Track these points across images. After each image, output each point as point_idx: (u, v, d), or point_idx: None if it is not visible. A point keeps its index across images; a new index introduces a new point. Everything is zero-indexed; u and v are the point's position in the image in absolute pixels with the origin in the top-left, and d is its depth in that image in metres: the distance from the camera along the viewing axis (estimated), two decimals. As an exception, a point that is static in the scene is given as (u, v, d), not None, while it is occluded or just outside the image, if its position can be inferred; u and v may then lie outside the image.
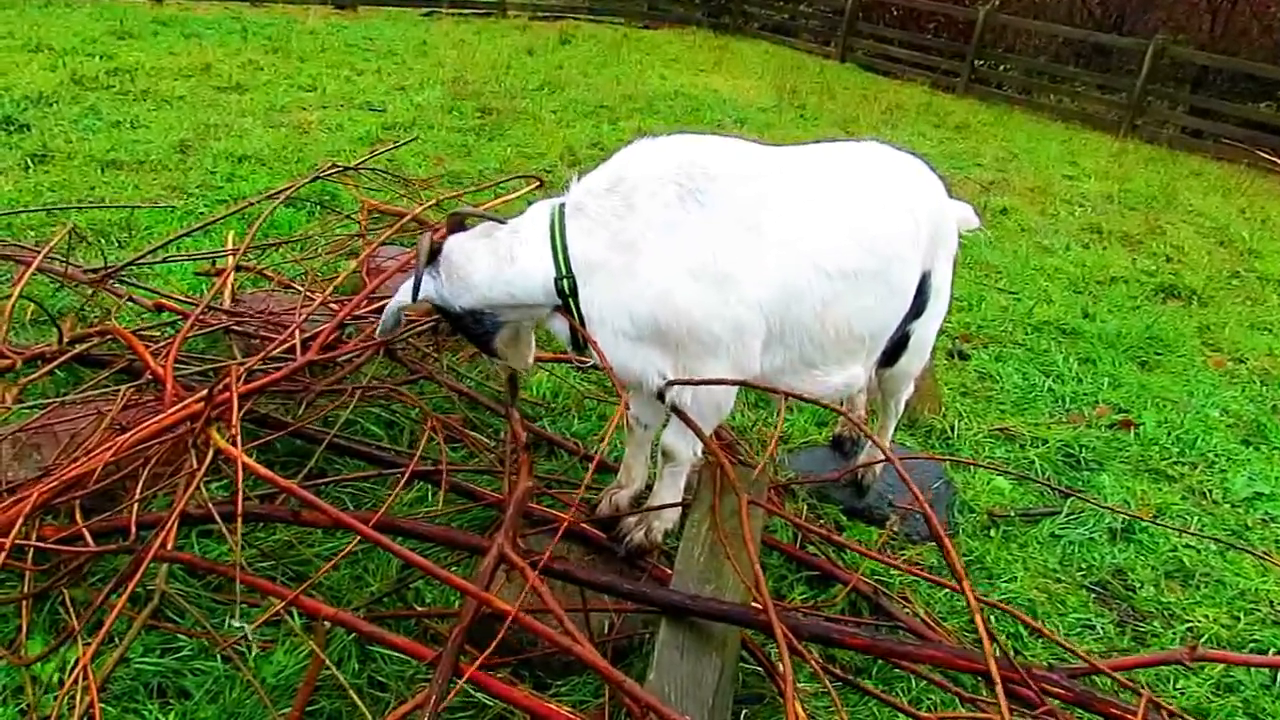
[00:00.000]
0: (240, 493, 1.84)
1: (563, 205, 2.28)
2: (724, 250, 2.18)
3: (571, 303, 2.24)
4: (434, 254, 2.33)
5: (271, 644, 2.34)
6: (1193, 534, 3.36)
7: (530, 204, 2.42)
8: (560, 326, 2.33)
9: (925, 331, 2.80)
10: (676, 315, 2.17)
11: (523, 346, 2.52)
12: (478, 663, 1.68)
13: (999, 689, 1.47)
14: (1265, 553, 3.31)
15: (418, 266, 2.29)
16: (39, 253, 3.35)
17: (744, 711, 2.30)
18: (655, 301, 2.17)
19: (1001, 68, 14.97)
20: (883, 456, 3.16)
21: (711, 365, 2.24)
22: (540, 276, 2.24)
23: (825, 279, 2.29)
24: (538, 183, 3.95)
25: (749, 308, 2.22)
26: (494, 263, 2.26)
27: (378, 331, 2.54)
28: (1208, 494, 3.74)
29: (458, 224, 2.42)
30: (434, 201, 3.99)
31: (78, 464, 2.14)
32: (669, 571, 2.41)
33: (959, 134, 10.77)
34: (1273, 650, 2.86)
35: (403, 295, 2.36)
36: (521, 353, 2.52)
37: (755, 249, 2.21)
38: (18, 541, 1.94)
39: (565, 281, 2.22)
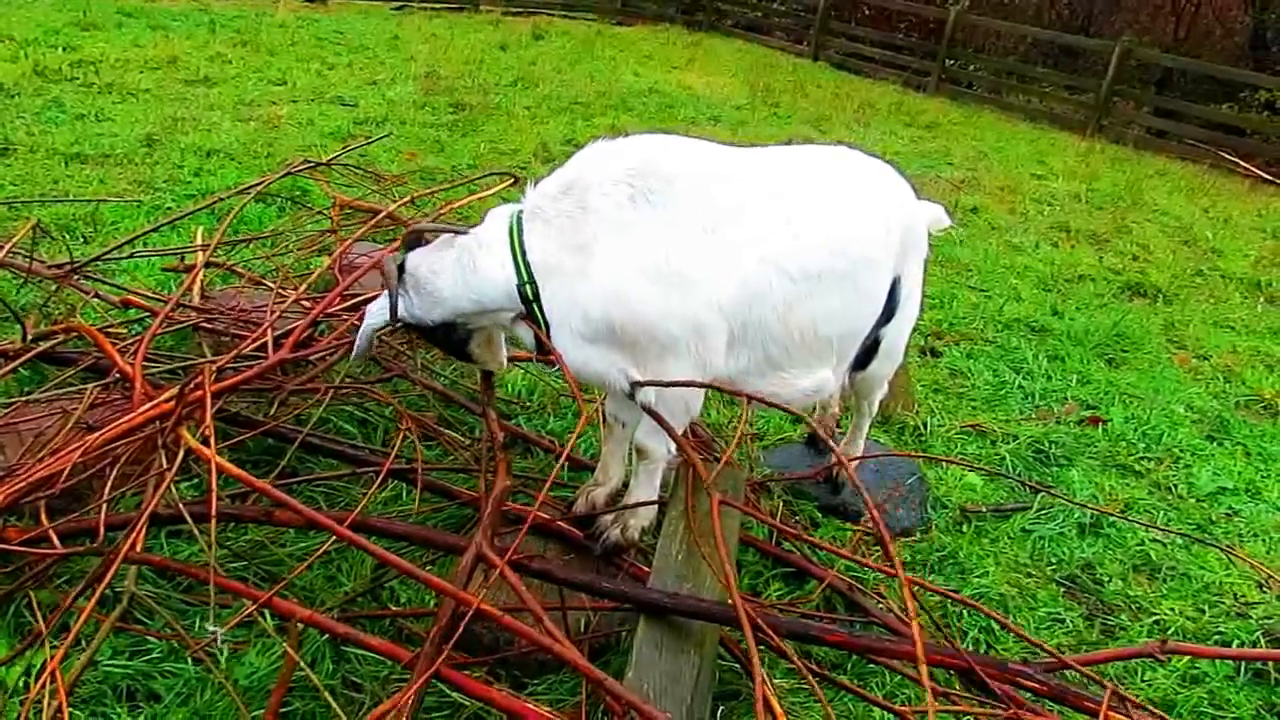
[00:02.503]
0: (214, 493, 1.81)
1: (520, 211, 2.29)
2: (678, 250, 2.18)
3: (535, 308, 2.25)
4: (399, 272, 2.34)
5: (244, 645, 2.31)
6: (1159, 529, 3.42)
7: (501, 202, 2.42)
8: (525, 332, 2.34)
9: (896, 336, 2.81)
10: (631, 315, 2.17)
11: (496, 349, 2.54)
12: (461, 664, 1.67)
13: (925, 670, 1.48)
14: (1229, 546, 3.38)
15: (389, 289, 2.27)
16: (1, 248, 3.27)
17: (721, 709, 2.31)
18: (609, 302, 2.17)
19: (971, 67, 15.13)
20: (855, 455, 3.19)
21: (672, 364, 2.24)
22: (503, 282, 2.25)
23: (787, 280, 2.29)
24: (512, 179, 3.93)
25: (706, 307, 2.21)
26: (459, 273, 2.27)
27: (353, 355, 2.53)
28: (1173, 489, 3.81)
29: (415, 240, 2.41)
30: (408, 199, 3.95)
31: (45, 464, 2.10)
32: (646, 569, 2.41)
33: (930, 133, 10.86)
34: (1237, 642, 2.92)
35: (375, 318, 2.35)
36: (495, 354, 2.54)
37: (711, 248, 2.21)
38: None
39: (528, 287, 2.23)
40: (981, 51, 16.00)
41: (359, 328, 2.44)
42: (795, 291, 2.31)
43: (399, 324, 2.38)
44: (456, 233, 2.36)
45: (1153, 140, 12.23)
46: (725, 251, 2.22)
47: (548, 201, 2.25)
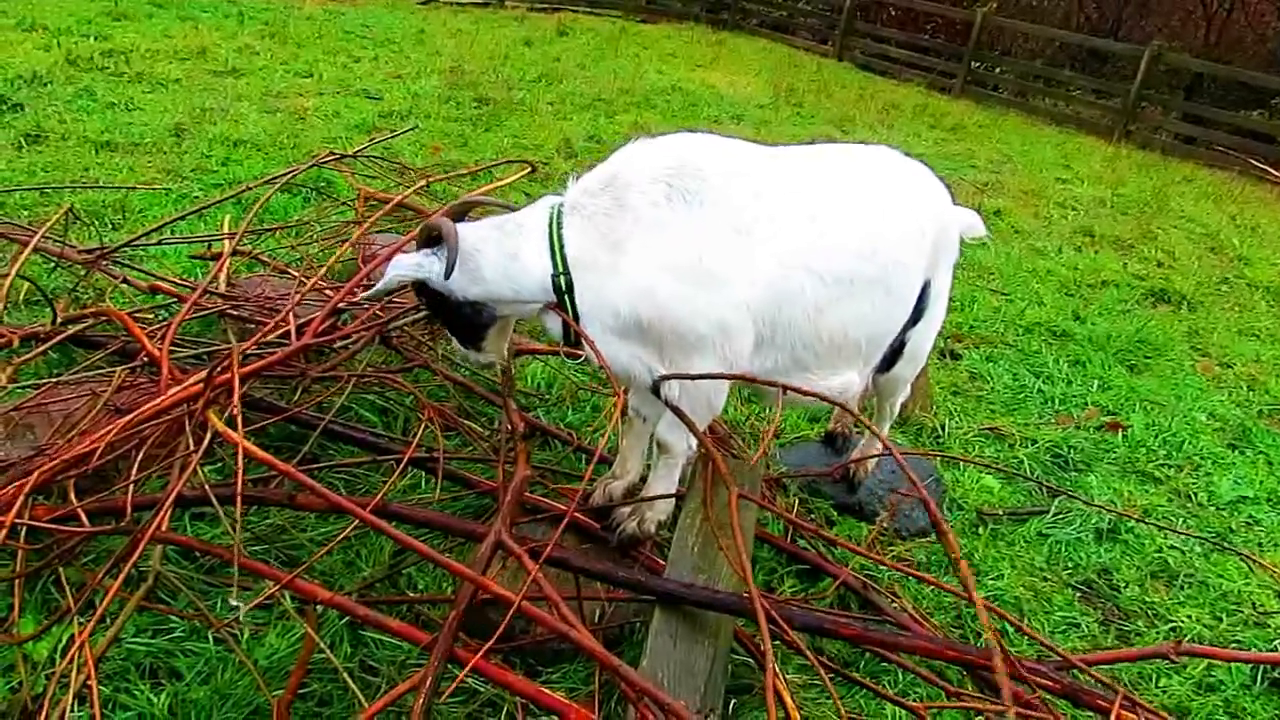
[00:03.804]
0: (241, 475, 1.84)
1: (561, 203, 2.30)
2: (710, 250, 2.19)
3: (568, 300, 2.25)
4: (442, 238, 2.27)
5: (264, 627, 2.36)
6: (1179, 533, 3.40)
7: (540, 197, 2.41)
8: (554, 323, 2.34)
9: (923, 338, 2.81)
10: (659, 313, 2.19)
11: (505, 340, 2.52)
12: (476, 650, 1.69)
13: (1005, 685, 1.48)
14: (1249, 555, 3.35)
15: (449, 248, 2.18)
16: (34, 232, 3.33)
17: (734, 702, 2.32)
18: (638, 299, 2.19)
19: (998, 70, 15.03)
20: (874, 452, 3.19)
21: (698, 363, 2.26)
22: (539, 273, 2.25)
23: (819, 283, 2.30)
24: (530, 168, 3.95)
25: (734, 308, 2.23)
26: (500, 258, 2.26)
27: (366, 295, 2.46)
28: (1193, 496, 3.78)
29: (462, 212, 2.41)
30: (423, 183, 3.98)
31: (79, 443, 2.14)
32: (661, 562, 2.43)
33: (954, 135, 10.81)
34: (1254, 650, 2.90)
35: (405, 270, 2.23)
36: (502, 346, 2.51)
37: (743, 250, 2.21)
38: (16, 521, 1.93)
39: (562, 278, 2.23)
40: (1008, 54, 15.88)
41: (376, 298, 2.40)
42: (827, 295, 2.32)
43: (421, 291, 2.30)
44: (507, 208, 2.36)
45: (1180, 146, 12.11)
46: (757, 253, 2.23)
47: (587, 197, 2.26)
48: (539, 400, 3.61)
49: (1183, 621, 3.00)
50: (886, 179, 2.54)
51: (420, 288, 2.32)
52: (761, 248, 2.23)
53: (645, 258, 2.18)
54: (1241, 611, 3.09)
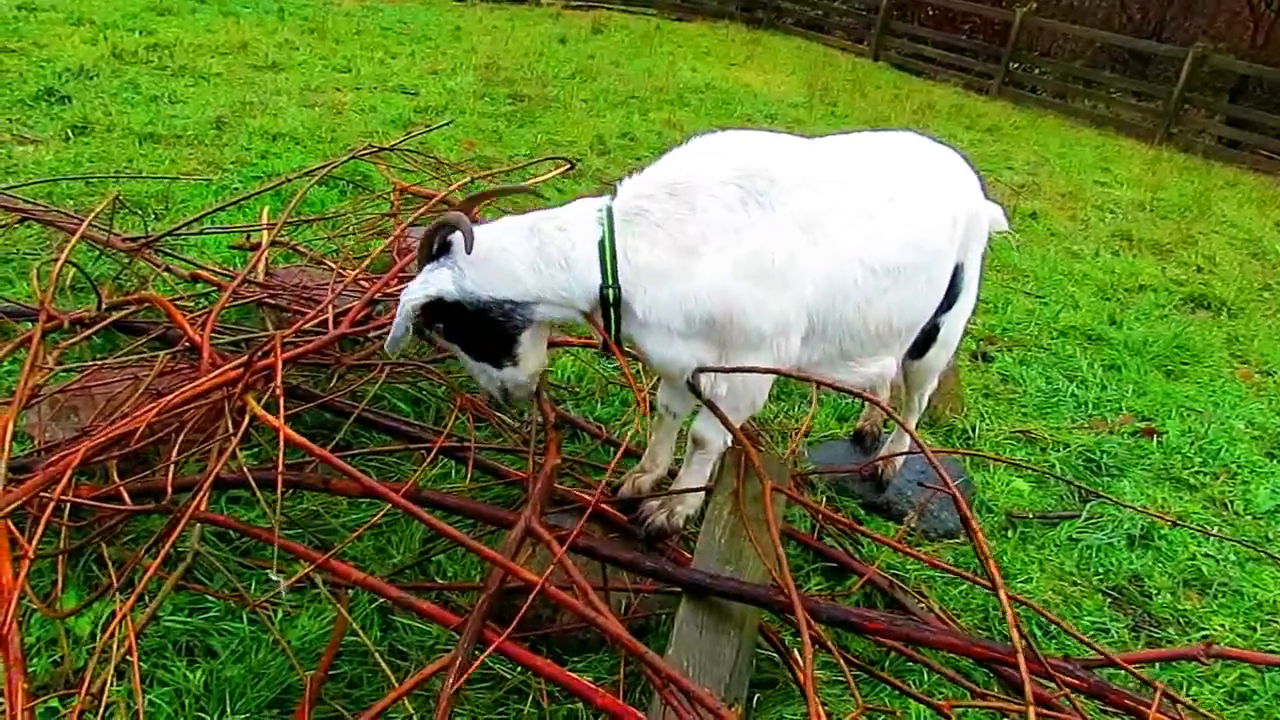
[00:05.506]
0: (282, 458, 1.88)
1: (610, 209, 2.22)
2: (781, 251, 2.20)
3: (613, 312, 2.20)
4: (445, 244, 2.17)
5: (296, 609, 2.40)
6: (1214, 535, 3.35)
7: (576, 199, 2.32)
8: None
9: (954, 324, 2.84)
10: (729, 314, 2.19)
11: (541, 348, 2.33)
12: (505, 632, 1.72)
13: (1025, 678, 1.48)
14: (1286, 564, 3.30)
15: (464, 234, 2.06)
16: (81, 220, 3.41)
17: (757, 695, 2.33)
18: (711, 301, 2.18)
19: (1036, 71, 14.83)
20: (902, 451, 3.18)
21: (752, 359, 2.28)
22: (595, 284, 2.19)
23: (871, 276, 2.33)
24: (568, 165, 3.95)
25: (796, 307, 2.25)
26: (543, 265, 2.17)
27: (388, 345, 2.23)
28: (1229, 505, 3.72)
29: (469, 208, 2.28)
30: (468, 179, 4.03)
31: (122, 421, 2.20)
32: (688, 555, 2.45)
33: (990, 136, 10.70)
34: (1289, 660, 2.85)
35: (416, 295, 2.12)
36: (539, 359, 2.32)
37: (809, 250, 2.24)
38: (61, 498, 1.99)
39: (610, 291, 2.17)
40: (1047, 55, 15.67)
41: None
42: (877, 287, 2.35)
43: (437, 314, 2.15)
44: (535, 194, 2.35)
45: (1224, 150, 11.90)
46: (819, 251, 2.25)
47: (652, 203, 2.20)
48: (569, 393, 3.64)
49: (1215, 630, 2.96)
50: (922, 166, 2.57)
51: (435, 313, 2.16)
52: (822, 244, 2.25)
53: (720, 261, 2.17)
54: (1277, 621, 3.04)
